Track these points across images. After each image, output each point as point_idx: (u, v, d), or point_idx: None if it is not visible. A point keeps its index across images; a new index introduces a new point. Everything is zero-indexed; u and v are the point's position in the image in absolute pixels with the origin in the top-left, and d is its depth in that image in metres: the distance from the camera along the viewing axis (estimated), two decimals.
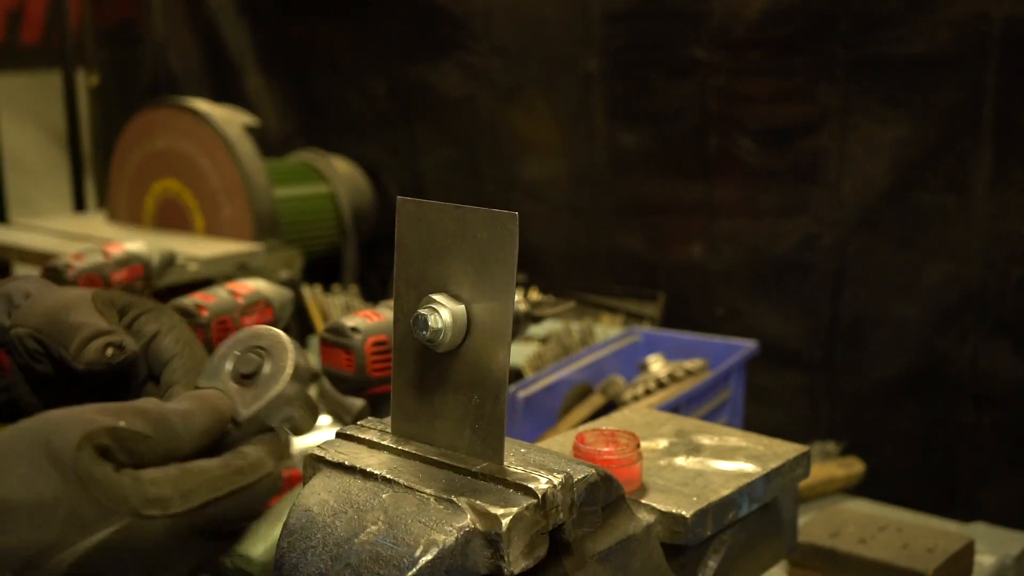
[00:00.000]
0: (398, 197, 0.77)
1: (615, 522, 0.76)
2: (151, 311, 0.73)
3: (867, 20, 1.86)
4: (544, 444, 0.89)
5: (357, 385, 1.14)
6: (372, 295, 2.36)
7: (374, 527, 0.68)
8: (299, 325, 2.16)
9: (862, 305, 1.96)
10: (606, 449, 0.86)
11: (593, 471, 0.72)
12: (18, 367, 0.70)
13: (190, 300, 1.19)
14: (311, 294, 2.23)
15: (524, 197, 2.40)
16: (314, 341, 1.96)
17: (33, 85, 3.33)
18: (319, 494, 0.73)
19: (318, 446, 0.77)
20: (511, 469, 0.71)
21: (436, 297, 0.74)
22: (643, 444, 0.91)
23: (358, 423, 0.81)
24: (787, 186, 2.01)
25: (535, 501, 0.68)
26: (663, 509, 0.83)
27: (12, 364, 0.70)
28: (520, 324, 1.21)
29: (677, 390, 1.66)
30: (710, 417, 1.65)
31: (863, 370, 1.97)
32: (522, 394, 1.63)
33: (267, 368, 0.70)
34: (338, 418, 1.92)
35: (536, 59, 2.33)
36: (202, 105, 2.48)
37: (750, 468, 0.91)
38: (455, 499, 0.68)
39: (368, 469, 0.73)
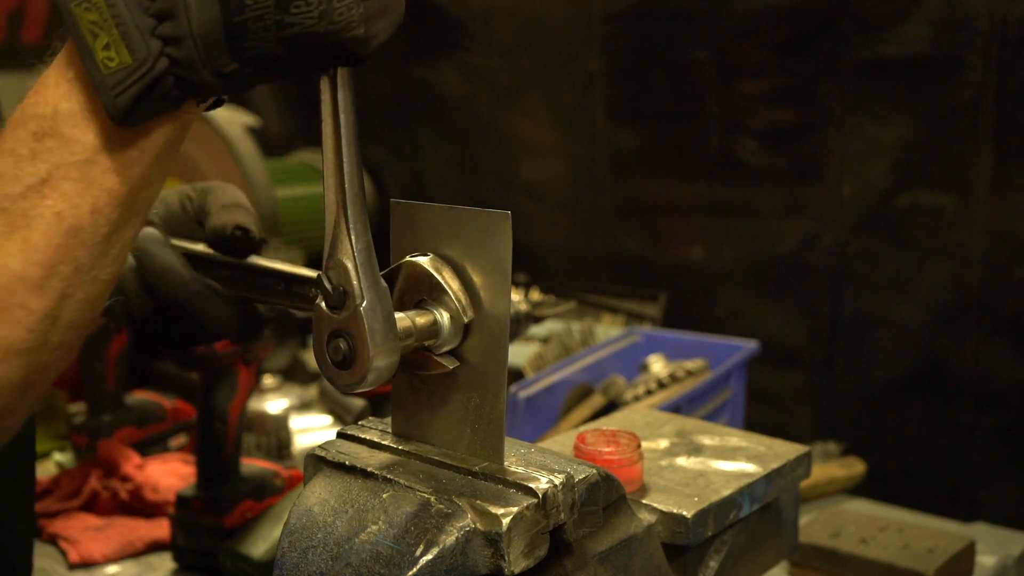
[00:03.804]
0: (391, 200, 0.77)
1: (616, 522, 0.76)
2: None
3: (867, 20, 1.86)
4: (545, 444, 0.89)
5: None
6: None
7: (374, 527, 0.68)
8: (300, 325, 2.16)
9: (863, 305, 1.96)
10: (607, 449, 0.86)
11: (594, 471, 0.72)
12: None
13: None
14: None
15: (524, 197, 2.40)
16: None
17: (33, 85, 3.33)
18: (320, 494, 0.73)
19: (319, 446, 0.77)
20: (512, 469, 0.71)
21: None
22: (644, 444, 0.91)
23: (359, 423, 0.82)
24: (787, 186, 2.01)
25: (535, 501, 0.68)
26: (664, 509, 0.83)
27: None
28: (521, 324, 1.21)
29: (678, 390, 1.66)
30: (711, 417, 1.65)
31: (864, 370, 1.96)
32: (523, 394, 1.63)
33: (348, 344, 0.68)
34: (339, 418, 1.92)
35: (536, 59, 2.33)
36: None
37: (751, 468, 0.91)
38: (455, 499, 0.67)
39: (368, 469, 0.73)
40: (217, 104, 0.69)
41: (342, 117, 0.65)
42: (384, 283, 0.68)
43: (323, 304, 0.68)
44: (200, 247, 0.90)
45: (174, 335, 0.93)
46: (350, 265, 0.67)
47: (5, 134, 0.65)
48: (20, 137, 0.64)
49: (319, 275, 0.68)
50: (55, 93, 0.64)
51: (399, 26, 0.65)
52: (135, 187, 0.65)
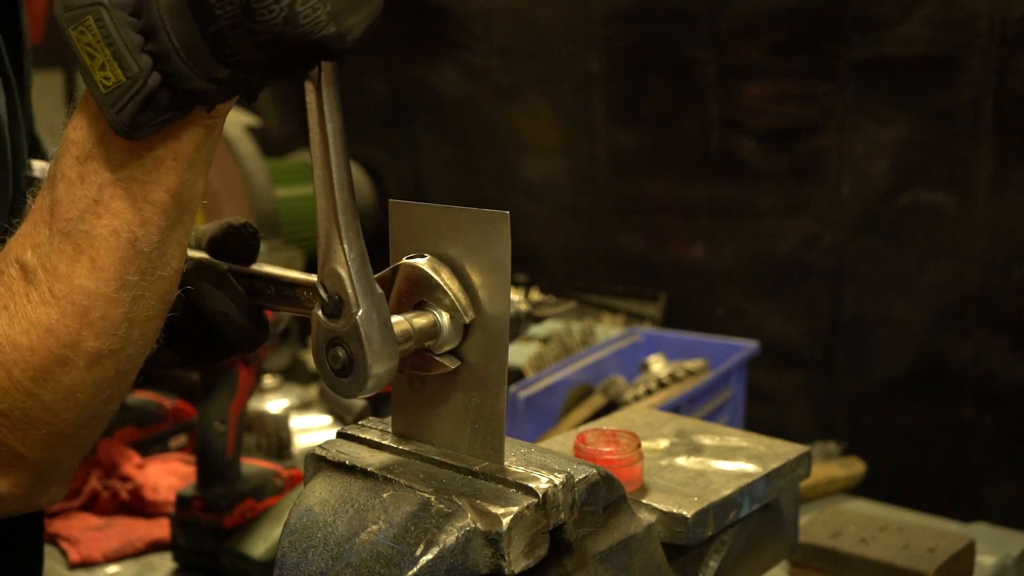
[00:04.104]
0: (390, 200, 0.77)
1: (616, 522, 0.76)
2: None
3: (868, 20, 1.86)
4: (545, 444, 0.89)
5: None
6: None
7: (375, 526, 0.68)
8: (300, 325, 2.16)
9: (863, 305, 1.96)
10: (607, 449, 0.86)
11: (594, 471, 0.72)
12: None
13: None
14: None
15: (524, 197, 2.40)
16: None
17: (34, 85, 3.32)
18: (320, 494, 0.73)
19: (319, 446, 0.78)
20: (512, 469, 0.71)
21: None
22: (644, 444, 0.91)
23: (359, 423, 0.82)
24: (788, 186, 2.01)
25: (536, 500, 0.68)
26: (664, 509, 0.83)
27: None
28: (521, 324, 1.21)
29: (678, 390, 1.66)
30: (711, 417, 1.65)
31: (864, 370, 1.96)
32: (523, 394, 1.63)
33: (346, 352, 0.68)
34: (339, 418, 1.92)
35: (536, 59, 2.33)
36: None
37: (751, 468, 0.91)
38: (455, 499, 0.67)
39: (368, 469, 0.73)
40: (250, 99, 0.71)
41: (329, 126, 0.65)
42: (380, 290, 0.68)
43: (320, 312, 0.68)
44: (203, 255, 0.90)
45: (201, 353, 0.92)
46: (344, 274, 0.67)
47: (56, 160, 0.69)
48: (68, 163, 0.68)
49: (315, 284, 0.68)
50: (86, 117, 0.68)
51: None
52: (175, 194, 0.69)
